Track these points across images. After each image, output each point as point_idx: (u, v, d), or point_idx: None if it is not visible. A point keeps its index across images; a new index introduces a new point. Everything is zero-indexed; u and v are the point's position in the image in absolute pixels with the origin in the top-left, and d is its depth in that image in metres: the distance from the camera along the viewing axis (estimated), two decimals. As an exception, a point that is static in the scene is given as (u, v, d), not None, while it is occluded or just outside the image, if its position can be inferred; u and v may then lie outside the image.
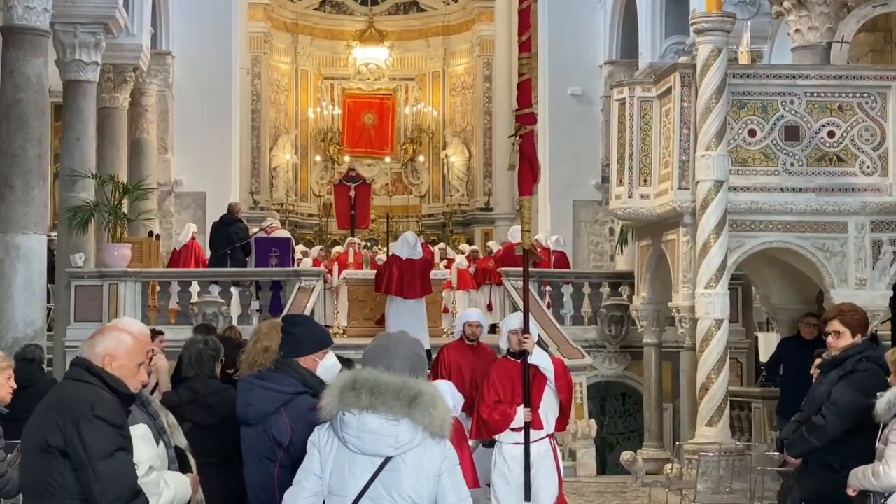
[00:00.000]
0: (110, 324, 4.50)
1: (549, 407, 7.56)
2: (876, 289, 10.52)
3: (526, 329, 7.51)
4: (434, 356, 9.76)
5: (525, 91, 7.83)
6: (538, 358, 7.51)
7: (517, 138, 7.70)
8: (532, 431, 7.47)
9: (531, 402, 7.47)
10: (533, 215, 22.83)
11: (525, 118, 7.77)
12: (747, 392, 12.29)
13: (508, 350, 7.68)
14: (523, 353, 7.47)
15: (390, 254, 14.89)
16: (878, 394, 5.64)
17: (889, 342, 9.84)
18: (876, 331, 9.95)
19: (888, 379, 5.76)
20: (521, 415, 7.45)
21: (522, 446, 7.46)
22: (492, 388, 7.59)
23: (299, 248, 20.65)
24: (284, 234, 17.85)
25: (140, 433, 4.37)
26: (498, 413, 7.50)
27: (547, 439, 7.58)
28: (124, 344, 4.16)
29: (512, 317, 8.05)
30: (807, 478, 6.17)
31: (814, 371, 6.89)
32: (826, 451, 5.98)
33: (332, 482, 3.93)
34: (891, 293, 10.70)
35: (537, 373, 7.48)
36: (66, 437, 3.92)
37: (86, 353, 4.13)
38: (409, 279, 14.13)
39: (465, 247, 21.41)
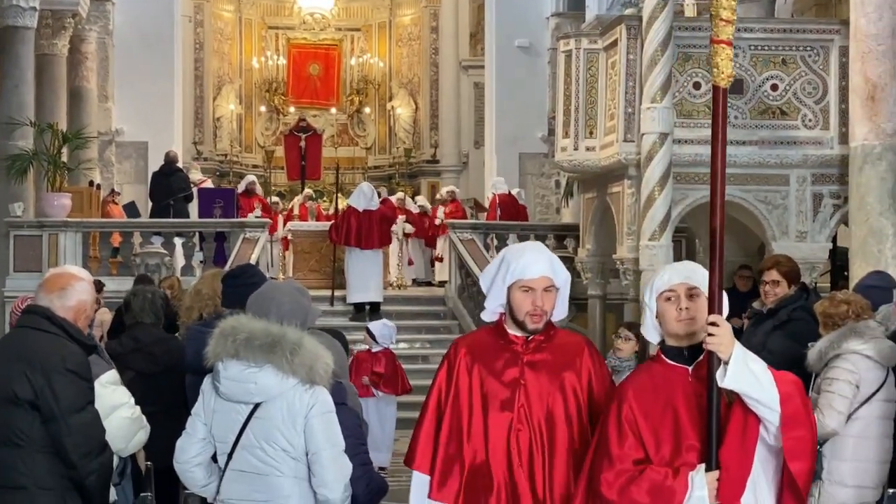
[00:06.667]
0: (67, 271, 4.37)
1: (761, 478, 3.34)
2: (816, 241, 10.67)
3: (714, 307, 3.33)
4: (381, 312, 9.01)
5: None
6: (740, 376, 3.24)
7: None
8: None
9: (721, 466, 3.28)
10: (478, 168, 22.82)
11: None
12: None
13: (663, 343, 3.53)
14: (697, 353, 3.42)
15: (346, 205, 14.85)
16: (809, 344, 5.70)
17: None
18: (815, 283, 10.15)
19: (819, 330, 5.84)
20: (703, 488, 3.27)
21: None
22: (627, 431, 3.40)
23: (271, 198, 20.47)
24: (211, 186, 17.73)
25: (112, 378, 4.46)
26: (644, 488, 3.32)
27: None
28: (91, 295, 4.13)
29: (671, 269, 3.64)
30: None
31: (744, 321, 6.92)
32: None
33: (215, 430, 3.92)
34: (830, 245, 10.88)
35: (738, 404, 3.30)
36: (37, 390, 3.86)
37: (54, 304, 4.02)
38: (367, 230, 14.17)
39: (444, 191, 19.99)
